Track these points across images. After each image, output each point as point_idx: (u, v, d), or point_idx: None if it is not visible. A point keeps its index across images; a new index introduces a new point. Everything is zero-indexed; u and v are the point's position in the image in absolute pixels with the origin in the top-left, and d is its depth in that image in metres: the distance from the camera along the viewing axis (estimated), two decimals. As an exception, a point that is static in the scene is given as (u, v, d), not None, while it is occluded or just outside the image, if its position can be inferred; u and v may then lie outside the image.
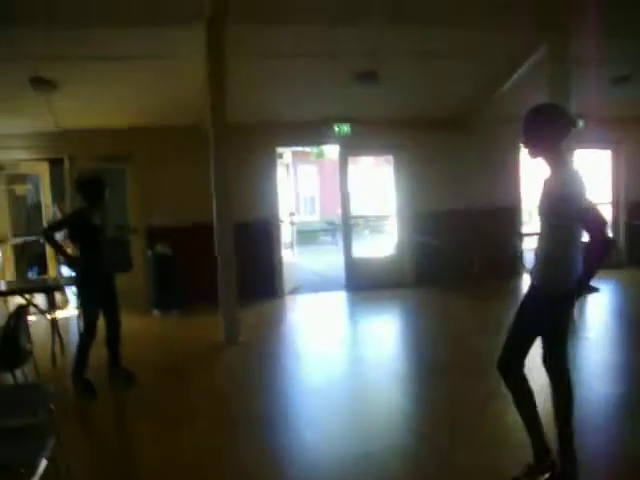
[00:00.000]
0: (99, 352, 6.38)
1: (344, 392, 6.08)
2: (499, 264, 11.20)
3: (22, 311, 5.19)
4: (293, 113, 10.20)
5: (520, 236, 11.67)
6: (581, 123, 10.90)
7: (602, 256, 3.59)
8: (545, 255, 3.76)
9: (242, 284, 8.18)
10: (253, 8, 7.34)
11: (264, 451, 4.61)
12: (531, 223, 13.26)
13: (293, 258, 12.37)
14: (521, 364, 3.87)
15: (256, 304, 10.09)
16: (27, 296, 7.55)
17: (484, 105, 10.55)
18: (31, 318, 7.12)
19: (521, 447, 4.27)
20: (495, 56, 9.04)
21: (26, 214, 11.31)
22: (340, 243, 14.19)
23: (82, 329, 6.26)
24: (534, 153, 3.77)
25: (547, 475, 3.83)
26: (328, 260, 16.14)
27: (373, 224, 23.08)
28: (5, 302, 9.49)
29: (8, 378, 5.21)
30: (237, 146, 8.68)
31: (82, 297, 6.35)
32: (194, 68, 7.93)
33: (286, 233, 11.85)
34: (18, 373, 5.27)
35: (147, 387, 6.30)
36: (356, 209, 12.97)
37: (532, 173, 12.51)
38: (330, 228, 24.11)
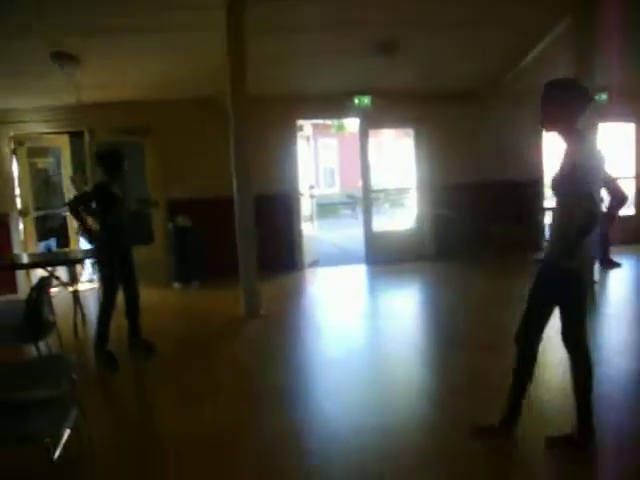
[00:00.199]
0: (120, 324, 6.45)
1: (363, 364, 6.09)
2: (520, 237, 11.11)
3: (44, 283, 5.25)
4: (313, 85, 10.12)
5: (542, 210, 11.57)
6: (605, 96, 10.74)
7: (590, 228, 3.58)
8: (559, 230, 3.77)
9: (262, 257, 8.20)
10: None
11: (284, 422, 4.64)
12: (553, 197, 13.12)
13: (313, 231, 12.37)
14: (538, 338, 3.94)
15: (276, 277, 10.12)
16: (49, 269, 7.62)
17: (506, 77, 10.41)
18: (53, 290, 7.22)
19: (539, 419, 4.28)
20: (518, 27, 8.87)
21: (47, 187, 11.36)
22: (360, 216, 14.16)
23: (102, 301, 6.33)
24: (550, 127, 3.77)
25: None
26: (348, 233, 16.13)
27: (393, 197, 22.98)
28: (27, 275, 9.62)
29: (32, 350, 5.30)
30: (257, 119, 8.65)
31: (102, 270, 6.41)
32: (214, 40, 7.87)
33: (306, 206, 11.83)
34: (41, 345, 5.35)
35: (168, 359, 6.36)
36: (376, 182, 12.88)
37: (554, 146, 12.36)
38: (350, 201, 24.09)
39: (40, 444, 3.04)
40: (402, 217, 15.43)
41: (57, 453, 3.09)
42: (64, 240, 10.67)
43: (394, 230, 12.71)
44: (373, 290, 10.21)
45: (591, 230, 3.60)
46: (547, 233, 11.21)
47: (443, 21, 8.46)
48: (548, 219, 11.10)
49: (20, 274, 9.79)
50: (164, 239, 10.59)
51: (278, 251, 10.60)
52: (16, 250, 9.96)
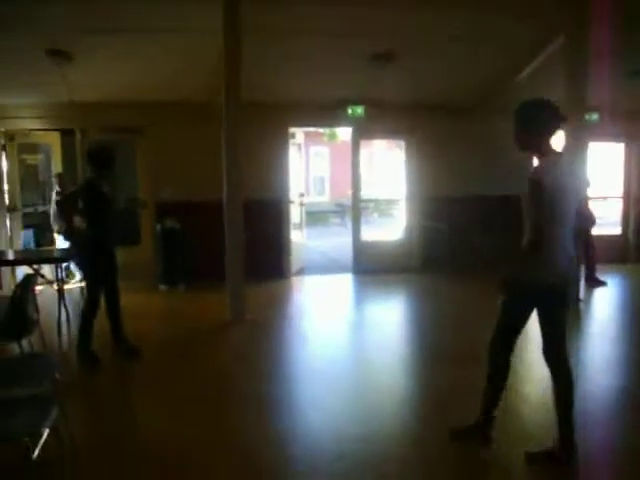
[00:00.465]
0: (104, 325, 6.41)
1: (347, 373, 6.09)
2: (509, 251, 11.11)
3: (29, 281, 5.22)
4: (307, 93, 10.13)
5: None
6: (595, 116, 10.82)
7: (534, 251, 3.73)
8: (525, 248, 3.86)
9: (250, 263, 8.18)
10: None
11: (268, 429, 4.63)
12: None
13: (301, 239, 12.37)
14: (510, 349, 4.05)
15: (263, 283, 10.10)
16: (35, 266, 7.57)
17: (499, 92, 10.46)
18: (38, 288, 7.17)
19: (521, 433, 4.30)
20: (512, 43, 8.94)
21: (36, 184, 11.31)
22: (349, 225, 14.17)
23: (85, 300, 6.29)
24: (522, 147, 3.91)
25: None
26: (336, 242, 16.13)
27: (382, 207, 23.02)
28: (13, 272, 9.56)
29: (14, 347, 5.26)
30: (249, 124, 8.65)
31: (85, 269, 6.37)
32: (209, 44, 7.88)
33: (295, 213, 11.83)
34: (24, 343, 5.32)
35: (151, 362, 6.33)
36: (366, 192, 12.91)
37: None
38: (339, 210, 24.10)
39: (19, 443, 3.01)
40: (391, 227, 15.46)
41: (36, 452, 3.07)
42: (45, 237, 10.58)
43: (382, 240, 12.73)
44: (359, 300, 10.22)
45: (531, 254, 3.74)
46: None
47: (437, 35, 8.51)
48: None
49: (5, 271, 9.72)
50: (152, 241, 10.55)
51: (266, 257, 10.58)
52: (2, 246, 9.90)
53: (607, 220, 13.78)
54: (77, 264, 9.07)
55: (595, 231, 10.15)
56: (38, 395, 3.75)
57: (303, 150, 12.74)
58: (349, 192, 12.13)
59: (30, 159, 11.08)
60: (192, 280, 10.05)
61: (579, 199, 4.08)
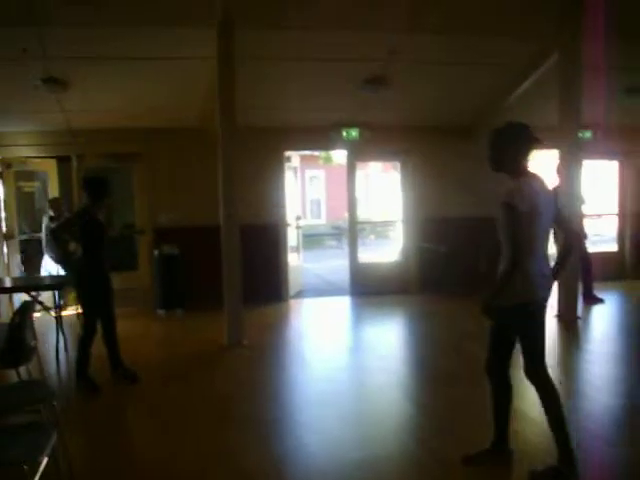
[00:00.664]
0: (101, 351, 6.40)
1: (346, 396, 6.07)
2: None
3: (27, 308, 5.21)
4: (302, 117, 10.21)
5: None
6: (589, 134, 10.90)
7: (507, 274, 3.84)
8: (501, 273, 3.95)
9: (247, 287, 8.19)
10: (263, 13, 7.39)
11: (265, 454, 4.61)
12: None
13: (298, 262, 12.38)
14: (505, 367, 4.12)
15: (261, 307, 10.09)
16: (32, 293, 7.56)
17: (493, 113, 10.54)
18: (36, 315, 7.16)
19: (522, 454, 4.28)
20: (506, 65, 9.05)
21: (33, 211, 11.30)
22: (346, 247, 14.20)
23: (82, 327, 6.28)
24: (496, 169, 3.98)
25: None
26: (333, 264, 16.14)
27: (379, 229, 23.05)
28: (10, 298, 9.54)
29: (12, 375, 5.24)
30: (245, 149, 8.70)
31: (81, 296, 6.36)
32: (204, 70, 7.97)
33: (292, 236, 11.85)
34: (22, 370, 5.30)
35: (149, 387, 6.31)
36: (362, 214, 12.95)
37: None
38: (336, 232, 24.14)
39: (18, 470, 3.00)
40: (387, 249, 15.47)
41: (35, 480, 3.06)
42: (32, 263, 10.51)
43: (379, 262, 12.73)
44: (357, 322, 10.20)
45: (506, 279, 3.83)
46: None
47: (432, 57, 8.59)
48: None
49: (3, 298, 9.70)
50: (149, 266, 10.55)
51: (263, 281, 10.57)
52: (-1, 274, 9.90)
53: (603, 237, 13.83)
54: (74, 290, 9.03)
55: (591, 248, 10.19)
56: (36, 422, 3.74)
57: (299, 173, 12.80)
58: (345, 214, 12.16)
59: (27, 186, 11.08)
60: (190, 305, 10.05)
61: (564, 217, 4.18)
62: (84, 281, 6.26)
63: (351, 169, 11.62)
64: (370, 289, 11.31)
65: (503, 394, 4.13)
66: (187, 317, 9.89)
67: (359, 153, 11.55)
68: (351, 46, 8.12)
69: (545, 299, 3.99)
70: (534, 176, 3.95)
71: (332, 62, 8.47)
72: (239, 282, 7.94)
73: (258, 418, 5.37)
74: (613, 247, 12.80)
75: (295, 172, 12.21)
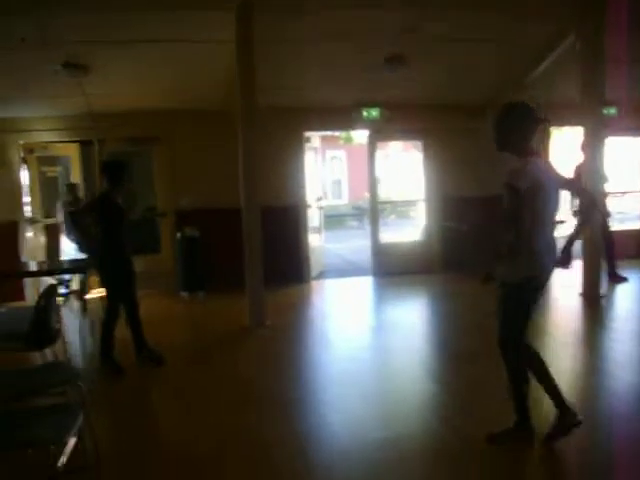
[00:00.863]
0: (126, 334, 6.46)
1: (369, 376, 6.09)
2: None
3: (52, 291, 5.27)
4: (322, 97, 10.15)
5: (553, 223, 11.51)
6: (613, 110, 10.74)
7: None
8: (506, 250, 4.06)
9: (269, 268, 8.20)
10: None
11: (289, 433, 4.63)
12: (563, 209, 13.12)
13: (320, 242, 12.38)
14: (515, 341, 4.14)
15: (283, 288, 10.12)
16: (57, 277, 7.64)
17: (514, 91, 10.41)
18: (60, 298, 7.24)
19: (546, 431, 4.27)
20: (526, 42, 8.91)
21: (57, 195, 11.40)
22: (367, 228, 14.16)
23: (106, 310, 6.35)
24: (502, 148, 4.08)
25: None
26: (355, 245, 16.12)
27: (400, 209, 22.95)
28: (35, 282, 9.66)
29: (38, 357, 5.32)
30: (265, 130, 8.68)
31: (104, 280, 6.40)
32: (224, 53, 7.93)
33: (313, 217, 11.84)
34: (48, 352, 5.37)
35: (173, 369, 6.36)
36: (384, 194, 12.88)
37: (562, 159, 12.33)
38: (357, 213, 24.07)
39: (45, 451, 3.04)
40: (409, 229, 15.41)
41: (62, 460, 3.10)
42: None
43: (401, 242, 12.69)
44: (379, 302, 10.20)
45: (512, 256, 3.96)
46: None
47: (451, 35, 8.49)
48: (558, 232, 11.05)
49: (28, 281, 9.83)
50: (172, 249, 10.61)
51: (285, 262, 10.59)
52: (24, 258, 10.01)
53: (627, 215, 13.66)
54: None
55: (615, 226, 10.07)
56: (63, 404, 3.79)
57: (319, 154, 12.74)
58: (366, 194, 12.11)
59: (50, 171, 11.18)
60: (212, 287, 10.10)
61: (573, 182, 4.20)
62: (106, 264, 6.30)
63: (372, 149, 11.57)
64: (392, 269, 11.29)
65: (536, 365, 4.13)
66: (209, 299, 9.95)
67: (380, 133, 11.48)
68: (370, 25, 8.05)
69: (547, 278, 4.07)
70: (539, 155, 4.00)
71: (351, 42, 8.40)
72: (260, 263, 7.95)
73: (281, 397, 5.40)
74: (637, 225, 12.63)
75: (315, 153, 12.16)
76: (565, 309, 8.49)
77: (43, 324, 4.98)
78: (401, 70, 9.10)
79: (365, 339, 7.64)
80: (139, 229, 6.63)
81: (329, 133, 20.94)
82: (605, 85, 8.31)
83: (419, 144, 11.79)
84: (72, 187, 9.94)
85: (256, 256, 7.92)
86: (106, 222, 6.23)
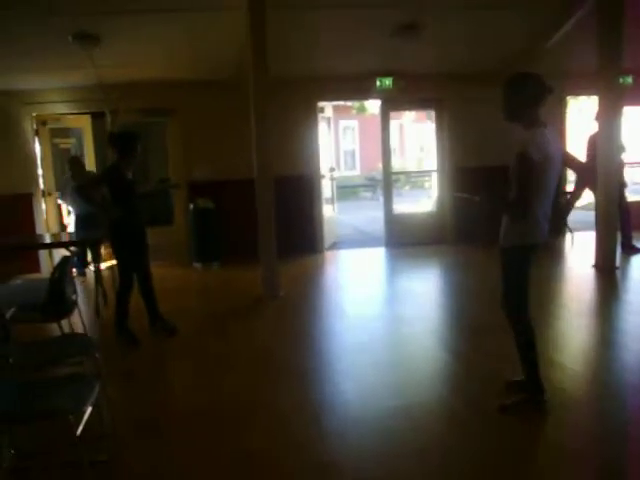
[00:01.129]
0: (141, 305, 6.51)
1: (383, 346, 6.11)
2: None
3: (67, 262, 5.31)
4: (334, 67, 10.07)
5: (564, 193, 11.44)
6: (630, 79, 10.59)
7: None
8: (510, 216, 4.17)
9: (282, 239, 8.21)
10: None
11: (302, 403, 4.67)
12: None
13: (333, 213, 12.37)
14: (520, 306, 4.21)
15: (296, 259, 10.15)
16: (71, 248, 7.68)
17: (530, 59, 10.27)
18: (75, 270, 7.29)
19: (558, 402, 4.28)
20: (541, 8, 8.77)
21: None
22: (380, 199, 14.13)
23: (119, 281, 6.39)
24: (509, 119, 4.08)
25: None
26: (368, 216, 16.11)
27: (414, 180, 22.87)
28: (50, 254, 9.73)
29: (55, 328, 5.37)
30: (278, 100, 8.62)
31: (116, 251, 6.42)
32: (236, 21, 7.86)
33: (326, 188, 11.82)
34: (64, 323, 5.43)
35: (187, 338, 6.43)
36: (397, 164, 12.83)
37: (578, 128, 12.21)
38: (370, 183, 24.00)
39: (64, 420, 3.09)
40: (422, 200, 15.37)
41: (80, 429, 3.15)
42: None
43: (414, 212, 12.68)
44: (393, 273, 10.21)
45: (516, 222, 4.08)
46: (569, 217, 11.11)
47: (466, 3, 8.38)
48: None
49: (43, 253, 9.90)
50: (185, 220, 10.64)
51: (298, 233, 10.61)
52: (38, 230, 10.08)
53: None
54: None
55: (631, 197, 9.98)
56: (80, 374, 3.84)
57: (332, 124, 12.68)
58: (380, 165, 12.07)
59: (62, 143, 11.19)
60: (226, 258, 10.15)
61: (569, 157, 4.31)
62: (118, 236, 6.29)
63: (385, 119, 11.49)
64: (405, 240, 11.28)
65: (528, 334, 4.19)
66: (223, 270, 10.00)
67: (393, 102, 11.39)
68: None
69: (543, 241, 4.18)
70: (546, 126, 3.98)
71: (364, 9, 8.30)
72: (274, 234, 7.96)
73: (296, 367, 5.44)
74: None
75: (328, 123, 12.10)
76: (578, 280, 8.46)
77: (59, 295, 5.02)
78: (415, 38, 9.00)
79: (378, 309, 7.67)
80: (152, 201, 6.61)
81: (342, 103, 20.83)
82: (622, 54, 8.18)
83: (432, 114, 11.70)
84: (74, 161, 9.61)
85: (269, 227, 7.93)
86: (116, 194, 6.21)
